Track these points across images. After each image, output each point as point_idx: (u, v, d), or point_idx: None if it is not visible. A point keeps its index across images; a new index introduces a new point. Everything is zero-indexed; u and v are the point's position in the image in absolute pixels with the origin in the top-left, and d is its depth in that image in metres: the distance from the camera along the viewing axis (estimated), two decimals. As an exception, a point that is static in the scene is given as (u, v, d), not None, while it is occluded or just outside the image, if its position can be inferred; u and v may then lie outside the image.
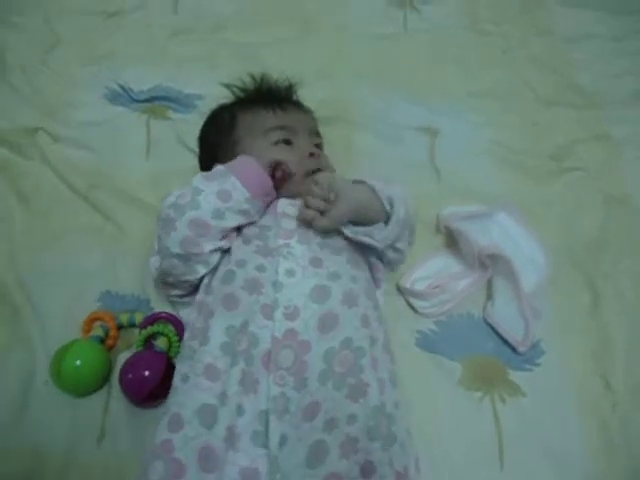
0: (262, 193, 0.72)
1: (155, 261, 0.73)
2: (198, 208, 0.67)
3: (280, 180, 0.74)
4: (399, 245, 0.75)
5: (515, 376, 0.80)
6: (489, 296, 0.87)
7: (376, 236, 0.70)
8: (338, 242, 0.72)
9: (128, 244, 0.83)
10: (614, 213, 1.00)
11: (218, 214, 0.68)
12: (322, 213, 0.67)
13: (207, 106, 0.93)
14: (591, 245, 0.96)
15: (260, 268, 0.67)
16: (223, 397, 0.59)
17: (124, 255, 0.82)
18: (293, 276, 0.65)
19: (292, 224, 0.71)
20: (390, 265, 0.80)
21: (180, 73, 1.07)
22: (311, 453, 0.57)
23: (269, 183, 0.72)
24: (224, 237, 0.71)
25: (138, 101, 1.01)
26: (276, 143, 0.79)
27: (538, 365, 0.82)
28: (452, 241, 0.92)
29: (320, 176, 0.70)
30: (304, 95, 0.94)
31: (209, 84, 0.98)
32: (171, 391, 0.63)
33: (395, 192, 0.72)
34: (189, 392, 0.60)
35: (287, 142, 0.80)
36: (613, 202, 1.02)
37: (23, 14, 1.10)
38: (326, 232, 0.69)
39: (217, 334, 0.63)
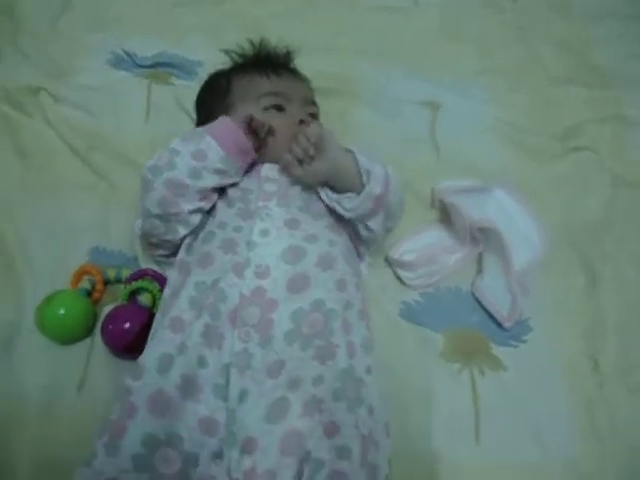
0: (238, 152, 0.72)
1: (139, 223, 0.75)
2: (174, 168, 0.68)
3: (257, 135, 0.74)
4: (371, 224, 0.72)
5: (498, 351, 0.79)
6: (479, 271, 0.86)
7: (346, 204, 0.70)
8: (319, 208, 0.72)
9: (120, 203, 0.85)
10: (621, 195, 0.98)
11: (194, 173, 0.69)
12: (301, 163, 0.69)
13: (207, 73, 0.93)
14: (593, 226, 0.94)
15: (237, 229, 0.68)
16: (182, 347, 0.60)
17: (116, 213, 0.84)
18: (267, 236, 0.66)
19: (273, 187, 0.72)
20: (365, 243, 0.78)
21: (185, 41, 1.07)
22: (271, 409, 0.57)
23: (245, 141, 0.72)
24: (203, 198, 0.71)
25: (142, 66, 1.02)
26: (267, 109, 0.79)
27: (524, 342, 0.81)
28: (446, 216, 0.91)
29: (311, 128, 0.70)
30: (304, 65, 0.93)
31: (211, 52, 0.98)
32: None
33: (378, 171, 0.69)
34: (155, 343, 0.62)
35: (279, 108, 0.79)
36: (621, 184, 0.99)
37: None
38: (304, 185, 0.72)
39: (187, 289, 0.64)
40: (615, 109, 1.09)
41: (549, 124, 1.06)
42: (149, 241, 0.75)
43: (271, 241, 0.65)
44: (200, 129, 0.73)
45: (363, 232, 0.74)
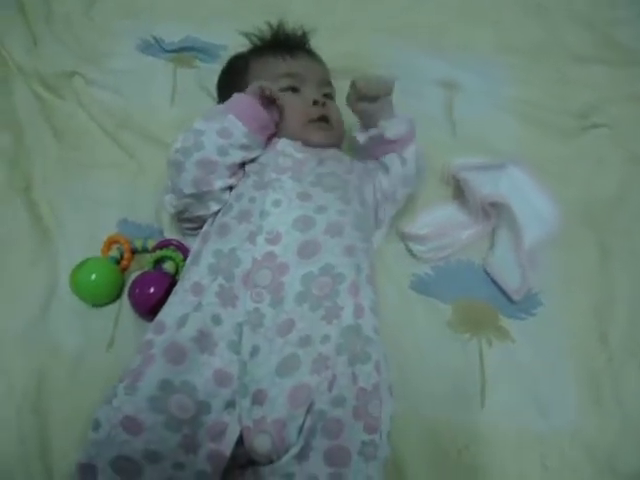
0: (259, 126, 0.76)
1: (170, 199, 0.78)
2: (202, 148, 0.72)
3: (273, 105, 0.77)
4: (406, 154, 0.79)
5: (506, 322, 0.81)
6: (491, 245, 0.88)
7: (386, 125, 0.78)
8: (332, 182, 0.76)
9: (147, 179, 0.90)
10: (637, 172, 0.97)
11: (222, 151, 0.73)
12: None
13: (230, 55, 0.97)
14: (608, 203, 0.94)
15: (252, 200, 0.72)
16: (198, 305, 0.65)
17: (142, 189, 0.89)
18: (279, 206, 0.70)
19: (288, 162, 0.76)
20: (392, 198, 0.83)
21: (209, 25, 1.11)
22: (282, 364, 0.61)
23: (263, 113, 0.76)
24: (232, 174, 0.76)
25: (168, 51, 1.07)
26: (282, 90, 0.82)
27: (533, 315, 0.82)
28: (459, 193, 0.93)
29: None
30: (322, 46, 0.96)
31: (234, 35, 1.01)
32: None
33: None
34: (175, 304, 0.67)
35: (294, 89, 0.83)
36: (638, 161, 0.98)
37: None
38: (317, 161, 0.78)
39: (206, 257, 0.69)
40: (636, 87, 1.07)
41: (567, 102, 1.06)
42: (182, 217, 0.80)
43: (283, 211, 0.69)
44: (219, 107, 0.77)
45: (398, 168, 0.80)
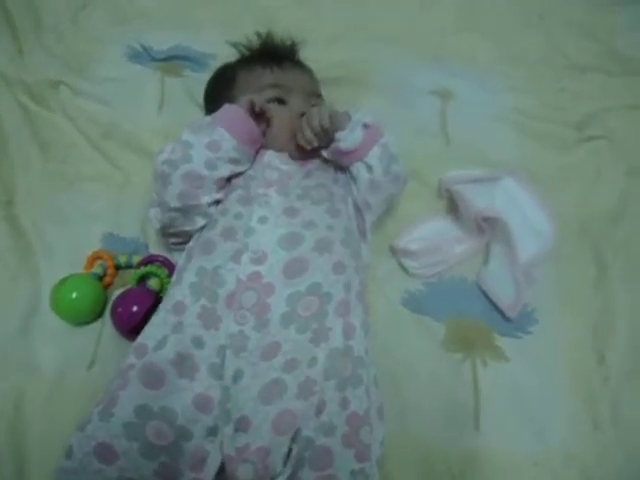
0: (249, 139, 0.74)
1: (156, 213, 0.76)
2: (191, 161, 0.70)
3: (261, 118, 0.76)
4: (370, 160, 0.75)
5: (501, 341, 0.79)
6: (485, 261, 0.86)
7: (339, 136, 0.74)
8: (320, 194, 0.74)
9: (133, 192, 0.88)
10: (636, 185, 0.95)
11: (210, 164, 0.71)
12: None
13: (219, 65, 0.96)
14: (605, 217, 0.92)
15: (238, 216, 0.70)
16: (178, 326, 0.62)
17: (129, 201, 0.87)
18: (265, 223, 0.68)
19: (274, 175, 0.74)
20: (369, 207, 0.78)
21: (199, 34, 1.09)
22: (266, 389, 0.59)
23: (253, 126, 0.74)
24: (220, 188, 0.74)
25: (157, 60, 1.05)
26: (268, 101, 0.80)
27: (529, 333, 0.80)
28: (453, 206, 0.90)
29: (326, 110, 0.75)
30: (316, 55, 0.95)
31: (223, 45, 0.99)
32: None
33: (368, 114, 0.75)
34: (156, 325, 0.64)
35: (280, 101, 0.81)
36: (637, 174, 0.96)
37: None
38: (303, 174, 0.76)
39: (189, 275, 0.66)
40: (635, 97, 1.05)
41: (565, 112, 1.04)
42: (167, 231, 0.77)
43: (269, 228, 0.67)
44: (207, 118, 0.75)
45: (364, 175, 0.75)
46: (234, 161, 0.73)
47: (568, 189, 0.94)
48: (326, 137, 0.74)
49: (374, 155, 0.75)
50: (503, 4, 1.22)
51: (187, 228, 0.74)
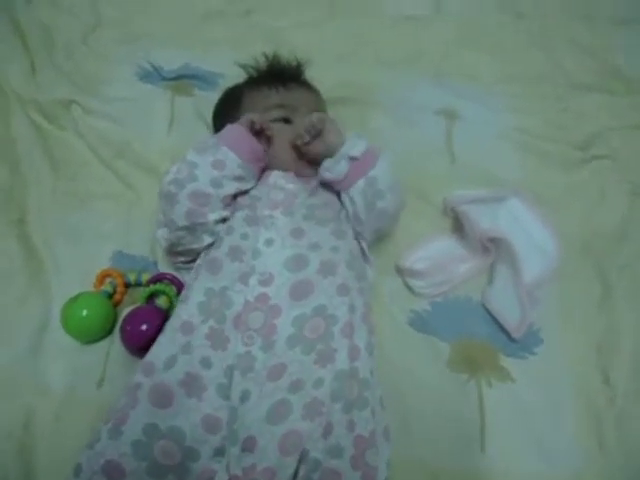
0: (252, 157, 0.75)
1: (163, 233, 0.77)
2: (196, 180, 0.72)
3: (263, 135, 0.78)
4: (352, 192, 0.75)
5: (507, 362, 0.79)
6: (489, 281, 0.86)
7: (325, 163, 0.76)
8: (326, 214, 0.75)
9: (143, 210, 0.89)
10: (640, 205, 0.95)
11: (216, 183, 0.72)
12: (309, 144, 0.77)
13: (227, 84, 0.97)
14: (610, 237, 0.92)
15: (244, 236, 0.71)
16: (186, 346, 0.63)
17: (138, 220, 0.88)
18: (272, 245, 0.68)
19: (280, 195, 0.75)
20: (360, 234, 0.79)
21: (208, 53, 1.11)
22: (272, 410, 0.59)
23: (256, 144, 0.76)
24: (226, 206, 0.75)
25: (166, 79, 1.07)
26: (274, 121, 0.82)
27: (534, 354, 0.80)
28: (458, 225, 0.91)
29: (315, 114, 0.77)
30: (322, 76, 0.96)
31: (232, 64, 1.01)
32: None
33: (360, 144, 0.75)
34: (164, 344, 0.65)
35: (286, 120, 0.82)
36: (641, 194, 0.97)
37: (73, -4, 1.19)
38: (308, 193, 0.78)
39: (197, 294, 0.67)
40: (638, 117, 1.06)
41: (569, 132, 1.05)
42: (174, 250, 0.78)
43: (275, 250, 0.68)
44: (211, 138, 0.76)
45: (348, 206, 0.77)
46: (239, 179, 0.75)
47: (572, 209, 0.95)
48: (316, 134, 0.76)
49: (357, 189, 0.75)
50: (504, 22, 1.23)
51: (195, 246, 0.75)
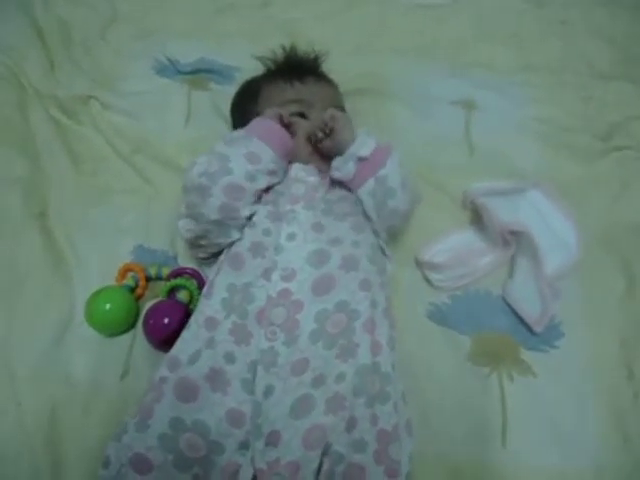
0: (284, 151, 0.75)
1: (185, 224, 0.76)
2: (231, 173, 0.70)
3: (289, 131, 0.78)
4: (361, 192, 0.75)
5: (528, 356, 0.79)
6: (510, 274, 0.85)
7: (334, 163, 0.77)
8: (343, 208, 0.74)
9: (162, 204, 0.89)
10: (665, 196, 0.94)
11: (250, 176, 0.71)
12: (321, 141, 0.78)
13: (244, 78, 0.97)
14: (633, 229, 0.91)
15: (267, 232, 0.70)
16: (210, 342, 0.64)
17: (158, 214, 0.89)
18: (294, 240, 0.68)
19: (301, 189, 0.74)
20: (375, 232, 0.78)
21: (224, 47, 1.11)
22: (296, 405, 0.60)
23: (289, 139, 0.76)
24: (255, 201, 0.74)
25: (183, 73, 1.07)
26: (291, 115, 0.81)
27: (556, 347, 0.80)
28: (478, 217, 0.90)
29: (328, 111, 0.78)
30: (340, 68, 0.96)
31: (249, 57, 1.01)
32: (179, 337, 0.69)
33: (369, 142, 0.75)
34: (189, 339, 0.66)
35: (302, 115, 0.82)
36: (665, 185, 0.95)
37: (91, -9, 1.19)
38: (327, 187, 0.77)
39: (220, 290, 0.68)
40: (662, 106, 1.04)
41: (590, 122, 1.03)
42: (198, 243, 0.76)
43: (297, 245, 0.68)
44: (241, 132, 0.75)
45: (361, 204, 0.76)
46: (272, 173, 0.74)
47: (594, 200, 0.94)
48: (329, 132, 0.77)
49: (366, 189, 0.74)
50: (523, 11, 1.21)
51: (221, 241, 0.74)
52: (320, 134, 0.77)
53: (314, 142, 0.79)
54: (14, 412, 0.71)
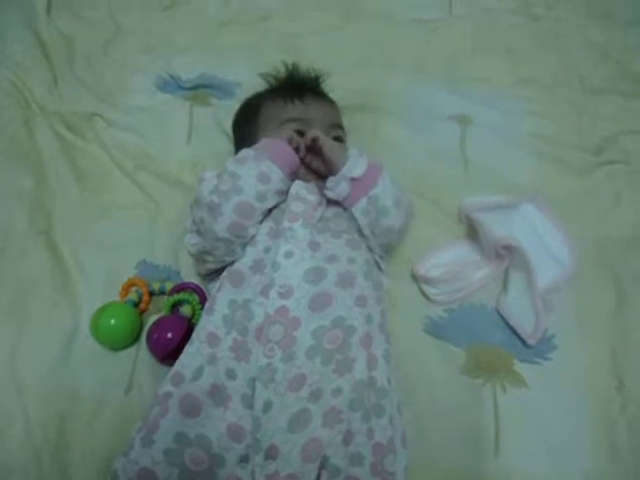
0: (291, 171, 0.77)
1: (190, 238, 0.78)
2: (242, 192, 0.72)
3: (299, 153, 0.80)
4: (355, 211, 0.76)
5: (521, 367, 0.81)
6: (504, 288, 0.88)
7: (327, 183, 0.78)
8: (339, 225, 0.76)
9: (165, 220, 0.92)
10: (656, 210, 0.96)
11: (260, 196, 0.73)
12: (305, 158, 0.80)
13: (244, 94, 0.99)
14: (625, 243, 0.93)
15: (267, 249, 0.73)
16: (212, 358, 0.66)
17: (161, 229, 0.91)
18: (291, 257, 0.70)
19: (301, 207, 0.76)
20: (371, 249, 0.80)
21: (225, 62, 1.13)
22: (293, 419, 0.62)
23: (297, 161, 0.78)
24: (261, 221, 0.76)
25: (185, 89, 1.09)
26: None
27: (548, 359, 0.82)
28: (473, 231, 0.92)
29: (309, 132, 0.79)
30: (338, 84, 0.98)
31: (250, 73, 1.04)
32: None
33: (361, 163, 0.76)
34: (192, 355, 0.68)
35: (300, 133, 0.83)
36: (656, 198, 0.97)
37: (93, 8, 1.21)
38: (323, 205, 0.79)
39: (221, 306, 0.70)
40: (654, 120, 1.06)
41: (583, 136, 1.05)
42: (204, 259, 0.78)
43: (295, 263, 0.69)
44: (250, 151, 0.76)
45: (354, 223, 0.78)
46: (280, 193, 0.76)
47: (586, 214, 0.96)
48: (316, 151, 0.79)
49: (359, 208, 0.76)
50: (518, 24, 1.23)
51: (227, 258, 0.75)
52: (302, 152, 0.79)
53: (302, 160, 0.80)
54: (22, 424, 0.74)
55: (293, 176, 0.79)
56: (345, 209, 0.79)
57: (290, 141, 0.79)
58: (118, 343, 0.80)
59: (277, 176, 0.74)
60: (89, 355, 0.80)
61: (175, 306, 0.84)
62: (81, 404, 0.76)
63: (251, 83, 0.99)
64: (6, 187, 0.94)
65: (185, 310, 0.83)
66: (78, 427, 0.74)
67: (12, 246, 0.89)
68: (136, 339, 0.82)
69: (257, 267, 0.72)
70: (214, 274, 0.80)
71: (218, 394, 0.64)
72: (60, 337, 0.81)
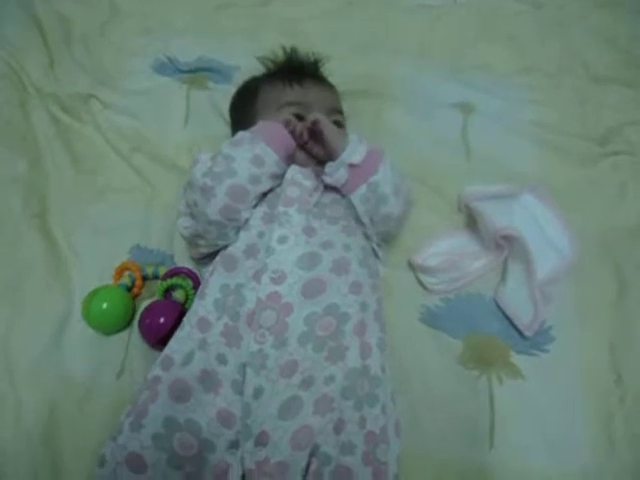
0: (287, 155, 0.76)
1: (184, 221, 0.78)
2: (235, 175, 0.71)
3: (294, 136, 0.78)
4: (353, 198, 0.75)
5: (517, 359, 0.80)
6: (502, 278, 0.86)
7: (326, 169, 0.76)
8: (335, 211, 0.75)
9: (161, 204, 0.91)
10: (659, 201, 0.94)
11: (254, 179, 0.72)
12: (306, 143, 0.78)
13: (242, 78, 0.97)
14: (628, 234, 0.91)
15: (260, 234, 0.71)
16: (202, 343, 0.65)
17: (156, 213, 0.90)
18: (285, 243, 0.69)
19: (296, 192, 0.74)
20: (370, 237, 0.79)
21: (223, 45, 1.11)
22: (284, 406, 0.61)
23: (293, 144, 0.76)
24: (255, 205, 0.75)
25: (182, 71, 1.07)
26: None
27: (546, 351, 0.81)
28: (472, 221, 0.91)
29: (311, 115, 0.77)
30: (339, 69, 0.96)
31: (249, 57, 1.02)
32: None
33: (360, 149, 0.74)
34: (182, 339, 0.67)
35: (299, 117, 0.81)
36: (661, 190, 0.95)
37: (91, -12, 1.19)
38: (320, 190, 0.77)
39: (213, 291, 0.69)
40: (659, 110, 1.04)
41: (587, 126, 1.04)
42: (196, 242, 0.77)
43: (288, 248, 0.68)
44: (246, 134, 0.75)
45: (355, 210, 0.76)
46: (275, 177, 0.75)
47: (590, 205, 0.94)
48: (316, 135, 0.76)
49: (358, 195, 0.75)
50: (522, 12, 1.21)
51: (219, 242, 0.74)
52: (306, 136, 0.78)
53: (301, 145, 0.79)
54: (13, 408, 0.73)
55: (289, 160, 0.78)
56: (343, 196, 0.78)
57: (287, 124, 0.77)
58: (110, 327, 0.79)
59: (272, 159, 0.73)
60: (81, 339, 0.79)
61: (168, 291, 0.82)
62: (73, 388, 0.75)
63: (250, 67, 0.97)
64: (0, 170, 0.93)
65: (178, 295, 0.82)
66: (70, 411, 0.73)
67: (6, 230, 0.87)
68: (128, 323, 0.81)
69: (250, 252, 0.70)
70: (207, 258, 0.79)
71: (208, 379, 0.63)
72: (53, 321, 0.80)
